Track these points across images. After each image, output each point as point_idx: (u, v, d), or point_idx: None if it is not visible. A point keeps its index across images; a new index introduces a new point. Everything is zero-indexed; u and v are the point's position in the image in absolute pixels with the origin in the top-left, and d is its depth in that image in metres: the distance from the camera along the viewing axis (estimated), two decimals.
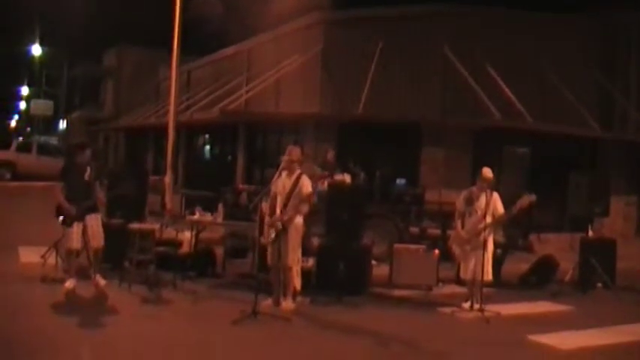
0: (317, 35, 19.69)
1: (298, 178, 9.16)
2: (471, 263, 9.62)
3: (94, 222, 9.31)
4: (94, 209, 9.33)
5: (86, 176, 9.25)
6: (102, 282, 9.27)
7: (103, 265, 9.57)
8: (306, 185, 9.15)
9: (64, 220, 9.14)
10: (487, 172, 9.72)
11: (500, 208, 9.70)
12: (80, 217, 9.12)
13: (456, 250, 9.94)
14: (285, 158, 9.26)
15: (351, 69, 18.73)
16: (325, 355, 7.34)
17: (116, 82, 43.59)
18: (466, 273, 9.75)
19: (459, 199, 10.01)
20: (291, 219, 9.03)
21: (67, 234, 9.18)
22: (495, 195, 9.72)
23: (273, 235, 9.04)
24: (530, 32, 18.33)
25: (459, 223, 9.89)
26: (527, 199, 9.51)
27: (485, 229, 9.55)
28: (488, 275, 9.56)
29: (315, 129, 19.12)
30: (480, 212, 9.64)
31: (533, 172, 18.18)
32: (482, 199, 9.65)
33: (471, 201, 9.80)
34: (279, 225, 8.98)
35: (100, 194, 9.53)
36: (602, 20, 19.45)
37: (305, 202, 9.15)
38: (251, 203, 10.04)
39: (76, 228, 9.13)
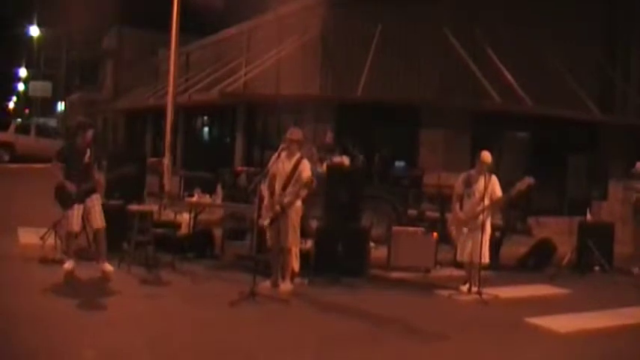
0: (316, 17, 19.60)
1: (298, 161, 9.12)
2: (468, 246, 9.65)
3: (95, 203, 9.30)
4: (93, 191, 9.32)
5: (86, 158, 9.21)
6: (109, 268, 9.26)
7: None
8: (306, 169, 9.10)
9: (63, 202, 9.13)
10: (486, 155, 9.70)
11: (498, 192, 9.71)
12: (80, 199, 9.11)
13: (453, 232, 9.96)
14: (285, 137, 9.24)
15: (350, 51, 18.67)
16: (323, 336, 7.35)
17: (115, 63, 43.44)
18: (463, 255, 9.79)
19: (458, 182, 10.02)
20: (290, 203, 9.00)
21: (66, 216, 9.18)
22: (494, 178, 9.72)
23: (268, 221, 9.00)
24: (531, 15, 18.24)
25: (457, 206, 9.90)
26: (525, 182, 9.53)
27: (483, 211, 9.57)
28: (485, 258, 9.58)
29: (315, 111, 19.08)
30: (478, 195, 9.65)
31: (532, 155, 18.18)
32: (481, 182, 9.66)
33: (469, 184, 9.80)
34: (278, 208, 8.96)
35: (99, 177, 9.50)
36: (603, 4, 19.38)
37: (305, 188, 9.12)
38: (250, 185, 10.03)
39: (76, 210, 9.12)
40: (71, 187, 9.02)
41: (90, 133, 9.30)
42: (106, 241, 9.35)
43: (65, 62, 51.01)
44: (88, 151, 9.23)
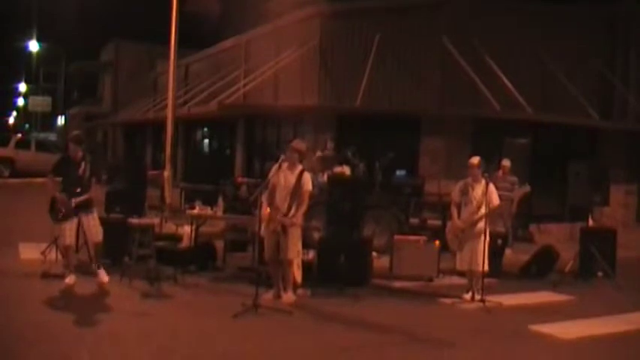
0: (315, 27, 19.63)
1: (300, 174, 9.09)
2: (467, 254, 9.66)
3: (90, 219, 9.33)
4: (88, 206, 9.32)
5: (80, 171, 9.23)
6: (105, 278, 9.28)
7: (103, 260, 9.59)
8: (308, 183, 9.11)
9: (55, 217, 9.14)
10: (471, 160, 9.89)
11: (495, 200, 9.74)
12: (73, 213, 9.12)
13: (451, 240, 9.96)
14: (288, 147, 9.26)
15: (349, 61, 18.68)
16: (327, 347, 7.32)
17: (114, 76, 43.51)
18: (462, 264, 9.79)
19: (455, 190, 10.06)
20: (293, 224, 8.95)
21: (59, 230, 9.22)
22: (491, 186, 9.75)
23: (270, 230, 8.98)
24: (530, 22, 18.27)
25: (454, 214, 9.90)
26: (520, 191, 9.52)
27: (480, 220, 9.58)
28: (485, 266, 9.57)
29: (314, 121, 19.09)
30: (474, 203, 9.67)
31: (533, 162, 18.17)
32: (477, 190, 9.69)
33: (466, 192, 9.83)
34: (279, 226, 8.90)
35: (96, 190, 9.49)
36: (603, 10, 19.41)
37: (305, 201, 9.10)
38: (251, 196, 10.01)
39: (69, 224, 9.16)
40: (62, 200, 9.03)
41: (80, 148, 9.33)
42: (101, 253, 9.46)
43: (64, 76, 51.08)
44: (83, 164, 9.25)
